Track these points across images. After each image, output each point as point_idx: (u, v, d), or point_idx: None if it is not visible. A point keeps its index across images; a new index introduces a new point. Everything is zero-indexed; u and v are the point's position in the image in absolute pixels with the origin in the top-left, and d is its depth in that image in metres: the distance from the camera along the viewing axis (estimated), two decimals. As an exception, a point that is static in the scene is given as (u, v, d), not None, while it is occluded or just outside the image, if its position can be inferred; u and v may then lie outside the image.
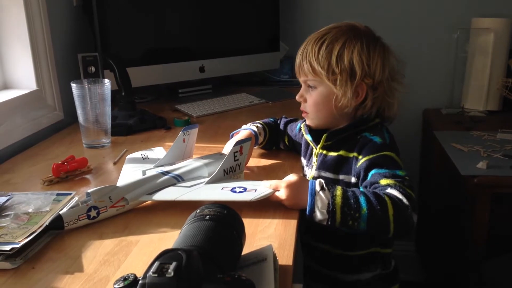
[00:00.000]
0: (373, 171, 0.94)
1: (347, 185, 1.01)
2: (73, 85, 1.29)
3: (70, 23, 1.69)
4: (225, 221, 0.68)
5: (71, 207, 0.86)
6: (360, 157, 0.98)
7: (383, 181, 0.90)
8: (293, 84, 2.11)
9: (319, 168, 1.07)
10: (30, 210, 0.88)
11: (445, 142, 1.70)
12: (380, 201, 0.86)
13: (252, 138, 1.08)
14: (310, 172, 1.09)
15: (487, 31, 1.97)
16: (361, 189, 0.95)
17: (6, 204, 0.91)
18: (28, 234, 0.80)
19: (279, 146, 1.26)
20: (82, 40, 1.71)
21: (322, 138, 1.05)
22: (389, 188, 0.89)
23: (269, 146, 1.25)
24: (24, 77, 1.48)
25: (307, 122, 1.08)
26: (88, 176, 1.15)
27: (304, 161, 1.16)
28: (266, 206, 0.93)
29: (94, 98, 1.30)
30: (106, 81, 1.32)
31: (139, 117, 1.50)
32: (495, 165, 1.46)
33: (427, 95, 2.18)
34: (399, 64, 1.04)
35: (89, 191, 0.88)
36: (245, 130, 1.21)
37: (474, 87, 2.06)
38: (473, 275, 1.41)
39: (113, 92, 1.35)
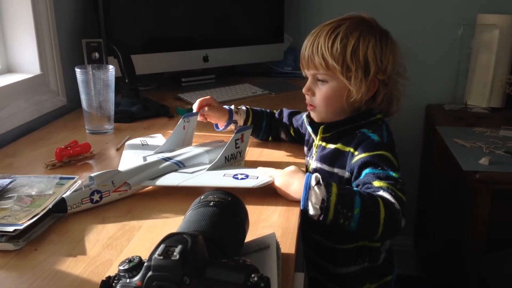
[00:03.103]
0: (367, 170, 0.93)
1: (340, 179, 1.01)
2: (77, 70, 1.28)
3: (75, 8, 1.68)
4: (229, 207, 0.68)
5: (74, 191, 0.86)
6: (356, 153, 0.97)
7: (376, 183, 0.90)
8: (296, 76, 2.11)
9: (317, 159, 1.07)
10: (33, 193, 0.88)
11: (447, 137, 1.70)
12: (374, 203, 0.86)
13: (251, 126, 1.08)
14: (311, 163, 1.10)
15: (492, 27, 1.96)
16: (354, 185, 0.95)
17: (9, 186, 0.91)
18: (31, 216, 0.80)
19: (279, 136, 1.25)
20: (87, 26, 1.71)
21: (319, 130, 1.04)
22: (381, 191, 0.88)
23: (265, 137, 1.25)
24: (27, 61, 1.47)
25: (313, 116, 1.07)
26: (90, 161, 1.15)
27: (306, 150, 1.16)
28: (269, 194, 0.93)
29: (98, 84, 1.29)
30: (110, 67, 1.32)
31: (142, 105, 1.50)
32: (497, 161, 1.46)
33: (430, 90, 2.18)
34: (403, 58, 1.04)
35: (92, 175, 0.89)
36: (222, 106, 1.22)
37: (478, 83, 2.05)
38: (472, 270, 1.42)
39: (116, 79, 1.35)
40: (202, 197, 0.71)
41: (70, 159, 1.11)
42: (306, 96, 1.07)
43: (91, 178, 0.88)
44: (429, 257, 1.99)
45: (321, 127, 1.04)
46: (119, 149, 1.22)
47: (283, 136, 1.25)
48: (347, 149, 1.00)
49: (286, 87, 1.91)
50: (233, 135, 1.00)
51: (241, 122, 1.22)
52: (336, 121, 1.03)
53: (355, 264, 1.06)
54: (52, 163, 1.09)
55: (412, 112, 2.20)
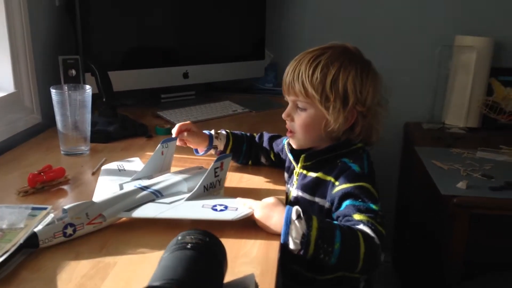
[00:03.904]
0: (347, 202, 0.93)
1: (321, 208, 1.00)
2: (53, 91, 1.25)
3: (51, 23, 1.65)
4: (207, 250, 0.67)
5: (47, 224, 0.83)
6: (336, 183, 0.97)
7: (356, 216, 0.90)
8: (277, 93, 2.10)
9: (298, 187, 1.06)
10: (4, 227, 0.85)
11: (425, 159, 1.71)
12: (354, 237, 0.85)
13: (231, 155, 1.06)
14: (291, 190, 1.08)
15: (470, 49, 1.99)
16: (334, 216, 0.95)
17: (-22, 218, 0.87)
18: (2, 253, 0.77)
19: (259, 161, 1.24)
20: (64, 41, 1.67)
21: (301, 158, 1.04)
22: (361, 225, 0.88)
23: (245, 161, 1.24)
24: (1, 78, 1.43)
25: (292, 142, 1.06)
26: (65, 187, 1.11)
27: (286, 177, 1.15)
28: (248, 225, 0.92)
29: (74, 104, 1.26)
30: (87, 87, 1.29)
31: (120, 124, 1.47)
32: (474, 185, 1.48)
33: (409, 109, 2.19)
34: (384, 89, 1.04)
35: (65, 207, 0.86)
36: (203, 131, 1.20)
37: (455, 103, 2.08)
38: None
39: (93, 95, 1.32)
40: (179, 238, 0.69)
41: (44, 185, 1.08)
42: (286, 121, 1.06)
43: (64, 210, 0.85)
44: (407, 277, 2.00)
45: (303, 156, 1.03)
46: (95, 173, 1.19)
47: (263, 160, 1.24)
48: (328, 178, 1.00)
49: (267, 105, 1.90)
50: (212, 164, 0.98)
51: (221, 147, 1.20)
52: (317, 150, 1.03)
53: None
54: (25, 190, 1.05)
55: (391, 130, 2.21)
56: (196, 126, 1.20)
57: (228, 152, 1.21)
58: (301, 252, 0.85)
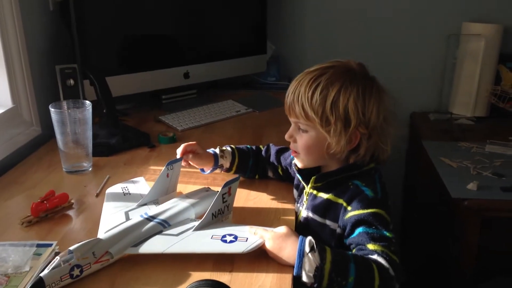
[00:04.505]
0: (360, 229, 0.90)
1: (332, 232, 0.98)
2: (52, 110, 1.21)
3: (46, 30, 1.60)
4: (220, 304, 0.65)
5: (53, 268, 0.81)
6: (349, 208, 0.94)
7: (370, 246, 0.87)
8: (280, 87, 2.06)
9: (308, 208, 1.03)
10: (9, 271, 0.83)
11: (433, 155, 1.68)
12: (368, 269, 0.83)
13: (239, 178, 1.03)
14: (301, 210, 1.06)
15: (478, 37, 1.93)
16: (346, 242, 0.93)
17: (-17, 259, 0.85)
18: (7, 303, 0.75)
19: (267, 175, 1.21)
20: (60, 49, 1.62)
21: (311, 180, 1.01)
22: (376, 255, 0.86)
23: (252, 175, 1.21)
24: (-2, 94, 1.40)
25: (297, 162, 1.04)
26: (69, 212, 1.09)
27: (295, 194, 1.12)
28: (259, 256, 0.90)
29: (74, 122, 1.23)
30: (87, 104, 1.25)
31: (122, 135, 1.44)
32: (485, 185, 1.45)
33: (415, 98, 2.16)
34: (392, 103, 1.00)
35: (71, 248, 0.83)
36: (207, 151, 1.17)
37: (463, 93, 2.04)
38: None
39: (93, 101, 1.28)
40: (190, 292, 0.66)
41: (47, 213, 1.06)
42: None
43: (69, 251, 0.83)
44: (411, 281, 1.98)
45: (313, 178, 1.00)
46: (99, 194, 1.16)
47: (270, 174, 1.21)
48: (339, 201, 0.97)
49: (271, 104, 1.86)
50: (220, 190, 0.95)
51: (227, 165, 1.17)
52: (329, 172, 1.00)
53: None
54: (28, 220, 1.03)
55: (397, 120, 2.17)
56: (201, 147, 1.16)
57: (234, 169, 1.18)
58: (315, 286, 0.83)
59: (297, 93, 0.96)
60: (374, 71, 1.03)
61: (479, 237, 1.38)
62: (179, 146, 1.44)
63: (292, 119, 1.01)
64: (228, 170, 1.18)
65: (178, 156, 1.13)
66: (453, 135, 1.86)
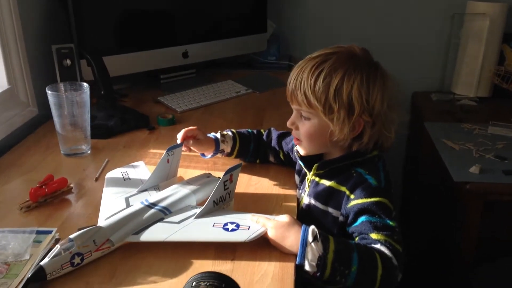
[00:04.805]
0: (363, 218, 0.89)
1: (334, 220, 0.97)
2: (49, 92, 1.19)
3: (42, 9, 1.55)
4: (224, 297, 0.64)
5: (54, 256, 0.80)
6: (352, 196, 0.93)
7: (373, 235, 0.87)
8: (280, 67, 2.03)
9: (310, 195, 1.02)
10: (9, 259, 0.81)
11: (435, 137, 1.66)
12: (371, 259, 0.83)
13: (241, 164, 1.01)
14: (303, 197, 1.05)
15: (482, 16, 1.89)
16: (348, 230, 0.92)
17: (-18, 247, 0.84)
18: (8, 292, 0.74)
19: (268, 159, 1.19)
20: (56, 28, 1.59)
21: (314, 167, 0.99)
22: (379, 244, 0.85)
23: (253, 159, 1.20)
24: (-7, 75, 1.37)
25: (299, 149, 1.02)
26: (69, 197, 1.08)
27: (297, 181, 1.10)
28: (261, 244, 0.89)
29: (72, 105, 1.20)
30: (85, 86, 1.22)
31: (120, 117, 1.41)
32: (487, 168, 1.43)
33: (418, 78, 2.12)
34: (396, 89, 0.98)
35: (71, 236, 0.82)
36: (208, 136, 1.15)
37: (466, 73, 2.01)
38: (461, 281, 1.42)
39: (90, 81, 1.25)
40: (194, 284, 0.66)
41: (46, 198, 1.04)
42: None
43: (70, 240, 0.82)
44: (413, 266, 1.98)
45: (316, 165, 0.99)
46: (98, 179, 1.15)
47: (271, 159, 1.19)
48: (342, 188, 0.96)
49: (271, 84, 1.83)
50: (221, 177, 0.93)
51: (228, 150, 1.15)
52: (331, 159, 0.98)
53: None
54: (27, 205, 1.02)
55: (399, 101, 2.14)
56: (202, 132, 1.14)
57: (235, 153, 1.16)
58: (317, 275, 0.83)
59: (299, 80, 0.94)
60: (376, 50, 1.00)
61: (481, 221, 1.37)
62: (178, 128, 1.43)
63: (294, 106, 0.99)
64: (229, 154, 1.17)
65: (178, 141, 1.11)
66: (455, 116, 1.84)
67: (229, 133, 1.16)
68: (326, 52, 0.95)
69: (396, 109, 0.98)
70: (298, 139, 1.00)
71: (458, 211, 1.43)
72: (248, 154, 1.18)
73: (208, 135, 1.16)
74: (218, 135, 1.15)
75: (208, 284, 0.65)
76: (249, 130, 1.21)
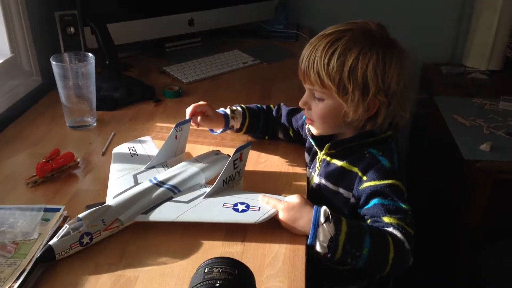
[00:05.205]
0: (375, 200, 0.88)
1: (345, 201, 0.95)
2: (53, 63, 1.16)
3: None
4: (237, 284, 0.63)
5: (62, 236, 0.79)
6: (364, 178, 0.91)
7: (386, 219, 0.85)
8: (288, 36, 1.98)
9: (321, 174, 1.00)
10: (17, 238, 0.81)
11: (446, 112, 1.64)
12: (384, 243, 0.82)
13: (251, 142, 0.99)
14: (313, 176, 1.03)
15: (498, -14, 1.83)
16: (360, 212, 0.91)
17: (-10, 225, 0.83)
18: (18, 273, 0.74)
19: (277, 136, 1.17)
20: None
21: (325, 146, 0.97)
22: (391, 228, 0.84)
23: (261, 135, 1.17)
24: (-5, 44, 1.33)
25: (312, 130, 0.99)
26: (75, 172, 1.06)
27: (307, 159, 1.08)
28: (272, 225, 0.87)
29: (77, 77, 1.17)
30: (90, 56, 1.19)
31: (126, 88, 1.38)
32: (498, 146, 1.42)
33: (428, 49, 2.07)
34: (413, 67, 0.94)
35: (80, 216, 0.81)
36: (218, 111, 1.12)
37: (478, 44, 1.97)
38: (466, 262, 1.42)
39: (94, 50, 1.22)
40: (205, 270, 0.65)
41: (53, 173, 1.03)
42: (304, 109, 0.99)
43: (79, 219, 0.81)
44: (420, 245, 1.99)
45: (327, 145, 0.97)
46: (105, 153, 1.13)
47: (280, 136, 1.17)
48: (354, 169, 0.94)
49: (279, 55, 1.79)
50: (231, 156, 0.91)
51: (237, 126, 1.13)
52: (344, 139, 0.96)
53: (354, 283, 1.04)
54: (34, 180, 1.00)
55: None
56: (212, 108, 1.11)
57: (244, 129, 1.14)
58: (328, 256, 0.82)
59: (312, 59, 0.90)
60: (387, 19, 0.96)
61: (489, 199, 1.36)
62: (185, 100, 1.41)
63: (306, 86, 0.95)
64: (238, 130, 1.14)
65: (187, 117, 1.08)
66: (466, 90, 1.81)
67: (239, 108, 1.14)
68: (340, 29, 0.91)
69: (412, 88, 0.95)
70: (310, 119, 0.98)
71: (467, 188, 1.42)
72: (257, 130, 1.16)
73: (218, 110, 1.13)
74: (227, 110, 1.13)
75: (221, 270, 0.64)
76: (258, 105, 1.18)
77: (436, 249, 1.61)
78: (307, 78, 0.93)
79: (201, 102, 1.10)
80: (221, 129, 1.13)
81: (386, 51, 0.89)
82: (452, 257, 1.51)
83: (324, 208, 0.83)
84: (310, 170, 1.05)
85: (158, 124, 1.27)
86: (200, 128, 1.15)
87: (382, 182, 0.88)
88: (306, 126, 1.03)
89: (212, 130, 1.15)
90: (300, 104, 0.97)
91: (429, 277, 1.61)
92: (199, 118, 1.09)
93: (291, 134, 1.15)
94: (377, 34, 0.91)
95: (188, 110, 1.09)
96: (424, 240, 1.66)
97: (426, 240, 1.68)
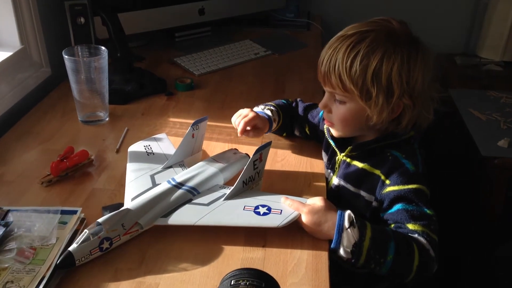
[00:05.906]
0: (399, 205, 0.86)
1: (367, 204, 0.93)
2: (66, 57, 1.13)
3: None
4: (265, 298, 0.61)
5: (82, 242, 0.77)
6: (387, 181, 0.88)
7: (411, 226, 0.83)
8: (299, 25, 1.94)
9: (340, 176, 0.98)
10: (35, 243, 0.79)
11: (461, 106, 1.61)
12: (409, 249, 0.80)
13: (271, 142, 0.96)
14: (332, 177, 1.01)
15: (516, -24, 1.79)
16: (383, 217, 0.89)
17: (7, 229, 0.81)
18: (38, 280, 0.72)
19: (293, 132, 1.15)
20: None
21: (347, 149, 0.95)
22: (416, 235, 0.82)
23: (280, 132, 1.15)
24: (5, 34, 1.29)
25: (332, 132, 0.97)
26: (90, 170, 1.04)
27: (325, 159, 1.06)
28: (293, 230, 0.86)
29: (90, 71, 1.15)
30: (103, 50, 1.16)
31: (138, 82, 1.36)
32: (515, 142, 1.39)
33: (442, 39, 2.04)
34: (437, 66, 0.91)
35: (99, 220, 0.79)
36: (262, 116, 1.08)
37: (493, 35, 1.93)
38: (482, 260, 1.40)
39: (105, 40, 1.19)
40: (232, 283, 0.63)
41: (67, 172, 1.01)
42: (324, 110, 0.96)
43: (98, 223, 0.79)
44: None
45: (350, 147, 0.94)
46: (119, 150, 1.11)
47: (296, 133, 1.15)
48: (376, 172, 0.92)
49: (290, 45, 1.76)
50: (251, 156, 0.89)
51: (276, 127, 1.11)
52: (366, 141, 0.94)
53: (375, 286, 1.02)
54: (48, 179, 0.99)
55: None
56: (259, 116, 1.06)
57: (276, 129, 1.11)
58: (352, 261, 0.80)
59: (333, 62, 0.87)
60: (400, 8, 0.92)
61: (506, 196, 1.34)
62: (197, 93, 1.39)
63: (327, 89, 0.92)
64: (269, 130, 1.11)
65: (238, 135, 1.05)
66: (481, 82, 1.77)
67: (273, 108, 1.10)
68: (362, 29, 0.87)
69: (436, 87, 0.92)
70: (331, 122, 0.95)
71: (483, 184, 1.40)
72: (284, 128, 1.13)
73: (257, 111, 1.08)
74: (268, 112, 1.09)
75: (248, 283, 0.62)
76: (283, 100, 1.15)
77: (452, 246, 1.60)
78: (327, 81, 0.90)
79: (249, 114, 1.05)
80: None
81: (410, 51, 0.86)
82: (467, 256, 1.50)
83: (348, 212, 0.82)
84: (329, 170, 1.03)
85: (171, 119, 1.25)
86: (213, 123, 1.11)
87: (406, 186, 0.86)
88: (325, 126, 1.00)
89: None
90: (320, 106, 0.94)
91: (444, 273, 1.60)
92: (251, 133, 1.05)
93: (307, 132, 1.12)
94: (401, 34, 0.87)
95: (239, 128, 1.04)
96: (440, 237, 1.66)
97: (442, 237, 1.67)
